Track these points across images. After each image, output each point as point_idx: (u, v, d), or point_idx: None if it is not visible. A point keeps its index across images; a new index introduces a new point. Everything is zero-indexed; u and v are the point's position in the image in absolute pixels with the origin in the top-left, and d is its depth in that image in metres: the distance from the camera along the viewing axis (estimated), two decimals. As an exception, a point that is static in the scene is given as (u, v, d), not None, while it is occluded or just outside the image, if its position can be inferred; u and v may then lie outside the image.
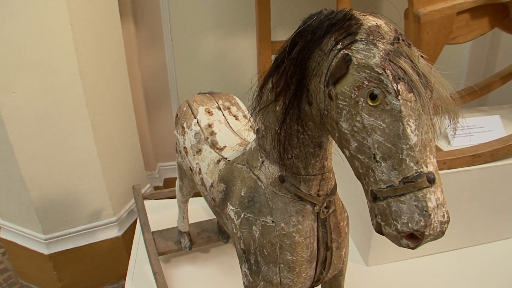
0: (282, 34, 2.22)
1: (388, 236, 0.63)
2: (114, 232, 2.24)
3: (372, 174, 0.62)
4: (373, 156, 0.61)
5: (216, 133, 1.19)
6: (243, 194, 0.94)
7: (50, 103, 1.87)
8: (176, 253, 1.72)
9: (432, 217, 0.57)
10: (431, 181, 0.58)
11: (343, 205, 0.97)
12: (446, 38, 1.42)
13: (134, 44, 2.44)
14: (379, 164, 0.60)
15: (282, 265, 0.88)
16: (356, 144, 0.63)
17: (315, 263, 0.91)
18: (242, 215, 0.93)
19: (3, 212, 2.24)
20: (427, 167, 0.59)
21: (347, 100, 0.62)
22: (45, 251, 2.11)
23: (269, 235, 0.88)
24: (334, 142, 0.73)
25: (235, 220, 0.96)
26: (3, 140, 1.90)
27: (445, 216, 0.59)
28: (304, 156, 0.81)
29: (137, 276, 1.66)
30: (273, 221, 0.88)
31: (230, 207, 0.98)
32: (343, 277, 1.05)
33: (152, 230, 1.75)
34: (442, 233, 0.59)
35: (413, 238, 0.60)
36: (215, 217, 1.77)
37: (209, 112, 1.26)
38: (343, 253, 0.96)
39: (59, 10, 1.75)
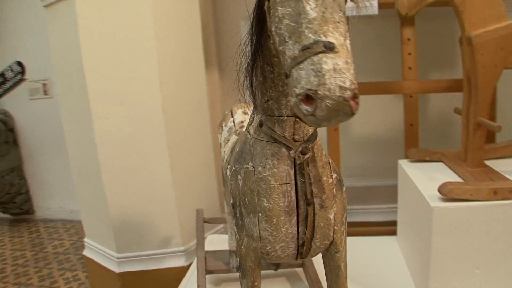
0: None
1: (293, 108, 0.64)
2: (180, 262, 2.33)
3: (284, 55, 0.67)
4: (283, 39, 0.67)
5: (244, 126, 1.27)
6: (237, 151, 1.01)
7: (135, 131, 2.13)
8: (228, 278, 1.74)
9: (326, 77, 0.58)
10: (329, 48, 0.60)
11: (330, 163, 0.95)
12: (505, 60, 1.36)
13: (218, 90, 2.68)
14: (287, 44, 0.66)
15: (260, 214, 0.89)
16: (278, 39, 0.70)
17: (295, 219, 0.88)
18: (233, 169, 0.98)
19: (88, 230, 2.49)
20: (326, 37, 0.61)
21: (271, 5, 0.72)
22: (116, 269, 2.26)
23: (249, 181, 0.91)
24: None
25: (228, 176, 1.01)
26: (93, 160, 2.18)
27: (347, 83, 0.59)
28: (276, 97, 0.86)
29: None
30: (253, 166, 0.91)
31: (228, 167, 1.04)
32: (341, 255, 0.98)
33: (206, 250, 1.80)
34: (343, 99, 0.58)
35: (310, 101, 0.61)
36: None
37: (244, 113, 1.36)
38: (331, 216, 0.91)
39: (149, 52, 2.07)
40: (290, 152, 0.87)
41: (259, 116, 0.92)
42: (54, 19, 2.26)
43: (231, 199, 0.99)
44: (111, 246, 2.30)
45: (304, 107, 0.62)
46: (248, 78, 0.90)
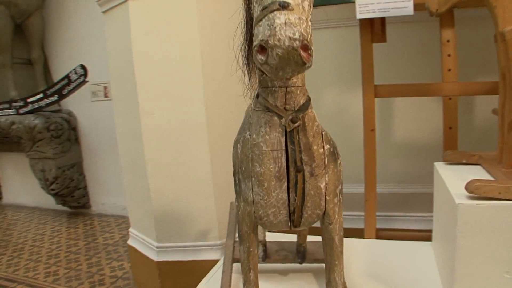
0: (385, 77, 2.28)
1: (255, 60, 0.72)
2: (216, 255, 2.40)
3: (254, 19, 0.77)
4: (253, 4, 0.79)
5: None
6: (241, 124, 1.08)
7: (179, 126, 2.25)
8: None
9: (277, 29, 0.67)
10: (283, 6, 0.69)
11: (324, 134, 0.97)
12: (540, 58, 1.31)
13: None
14: (254, 8, 0.77)
15: (253, 179, 0.93)
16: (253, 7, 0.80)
17: (286, 184, 0.92)
18: (235, 139, 1.05)
19: (133, 220, 2.64)
20: None
21: None
22: (155, 258, 2.37)
23: (245, 148, 0.96)
24: None
25: (233, 149, 1.06)
26: (139, 154, 2.32)
27: (296, 34, 0.67)
28: None
29: (212, 281, 1.76)
30: (249, 135, 0.96)
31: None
32: (335, 228, 0.99)
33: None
34: (292, 48, 0.67)
35: (263, 51, 0.69)
36: (296, 239, 1.80)
37: None
38: (321, 185, 0.93)
39: (194, 53, 2.19)
40: (281, 120, 0.92)
41: (258, 89, 0.99)
42: (110, 23, 2.46)
43: (233, 167, 1.05)
44: (151, 236, 2.42)
45: (259, 56, 0.70)
46: (245, 54, 0.96)
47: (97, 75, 3.87)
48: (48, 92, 3.65)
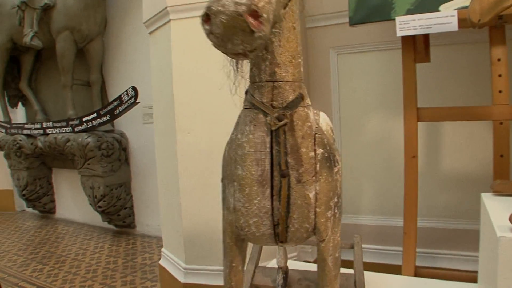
0: (429, 100, 2.12)
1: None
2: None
3: None
4: None
5: None
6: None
7: (213, 145, 2.22)
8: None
9: None
10: None
11: (317, 137, 0.87)
12: None
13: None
14: None
15: (235, 183, 0.84)
16: None
17: (269, 191, 0.81)
18: (226, 143, 0.98)
19: (165, 240, 2.61)
20: None
21: None
22: (182, 279, 2.31)
23: (231, 149, 0.88)
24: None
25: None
26: (173, 172, 2.31)
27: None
28: (258, 62, 0.85)
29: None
30: (236, 134, 0.87)
31: None
32: (328, 247, 0.87)
33: (260, 265, 1.76)
34: (237, 14, 0.60)
35: (208, 18, 0.64)
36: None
37: None
38: (310, 194, 0.81)
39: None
40: (267, 118, 0.83)
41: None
42: (154, 44, 2.53)
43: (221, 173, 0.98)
44: (180, 257, 2.37)
45: (205, 26, 0.65)
46: None
47: (149, 98, 3.98)
48: (102, 112, 3.80)
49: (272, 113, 0.85)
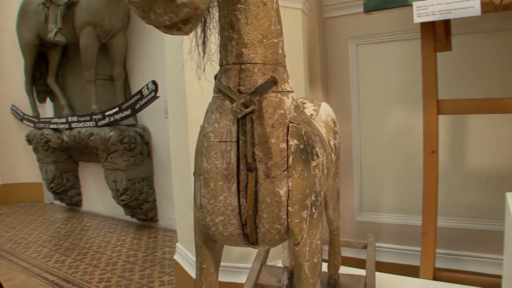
0: (452, 92, 1.99)
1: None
2: (256, 280, 2.24)
3: None
4: None
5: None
6: None
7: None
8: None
9: None
10: None
11: (291, 126, 0.78)
12: None
13: (321, 111, 2.58)
14: None
15: (201, 177, 0.77)
16: None
17: (235, 186, 0.73)
18: None
19: (180, 235, 2.58)
20: None
21: None
22: (194, 275, 2.27)
23: (199, 139, 0.81)
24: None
25: None
26: (185, 166, 2.27)
27: None
28: (224, 43, 0.79)
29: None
30: (203, 124, 0.80)
31: None
32: (303, 251, 0.77)
33: (267, 263, 1.71)
34: None
35: None
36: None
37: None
38: (281, 192, 0.73)
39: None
40: (233, 105, 0.76)
41: None
42: (168, 36, 2.49)
43: None
44: (193, 252, 2.34)
45: (133, 8, 0.57)
46: (202, 28, 0.83)
47: (171, 92, 3.99)
48: (123, 106, 3.82)
49: (238, 99, 0.77)
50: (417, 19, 1.64)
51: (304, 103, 1.29)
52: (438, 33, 1.73)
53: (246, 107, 0.76)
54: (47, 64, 4.74)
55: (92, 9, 3.82)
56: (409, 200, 2.36)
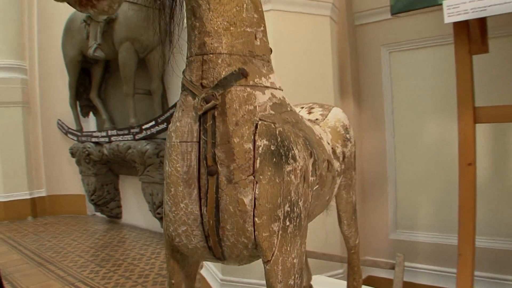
0: (490, 99, 1.83)
1: None
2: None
3: None
4: None
5: None
6: None
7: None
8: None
9: None
10: None
11: (260, 124, 0.68)
12: None
13: (352, 123, 2.46)
14: None
15: (164, 182, 0.69)
16: None
17: (196, 192, 0.65)
18: None
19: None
20: None
21: None
22: (218, 290, 2.21)
23: (167, 142, 0.73)
24: None
25: None
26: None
27: None
28: (188, 33, 0.72)
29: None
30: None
31: None
32: (274, 270, 0.66)
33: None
34: None
35: None
36: None
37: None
38: (245, 200, 0.63)
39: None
40: (195, 100, 0.67)
41: None
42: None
43: None
44: (218, 267, 2.28)
45: None
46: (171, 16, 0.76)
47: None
48: (159, 120, 3.86)
49: (200, 94, 0.69)
50: (448, 19, 1.51)
51: (312, 108, 1.20)
52: (472, 34, 1.59)
53: (207, 102, 0.68)
54: (90, 80, 4.91)
55: (130, 25, 3.92)
56: (447, 217, 2.17)
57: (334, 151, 1.06)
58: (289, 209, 0.70)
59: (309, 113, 1.18)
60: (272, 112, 0.72)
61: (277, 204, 0.68)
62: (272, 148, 0.69)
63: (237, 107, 0.70)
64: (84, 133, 4.85)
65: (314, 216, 0.99)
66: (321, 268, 2.06)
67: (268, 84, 0.75)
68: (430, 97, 2.27)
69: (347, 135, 1.19)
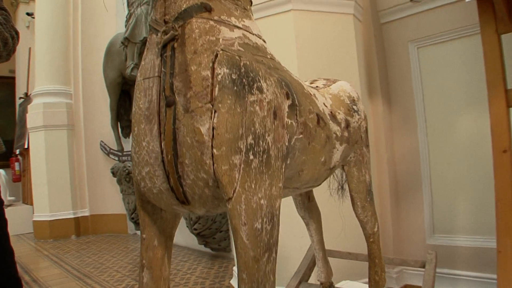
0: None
1: None
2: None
3: None
4: None
5: None
6: None
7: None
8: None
9: None
10: None
11: (220, 53, 0.65)
12: None
13: (382, 123, 2.38)
14: None
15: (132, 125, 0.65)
16: None
17: (157, 128, 0.60)
18: None
19: (236, 258, 2.47)
20: None
21: None
22: None
23: None
24: None
25: None
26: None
27: None
28: None
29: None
30: None
31: None
32: (239, 210, 0.61)
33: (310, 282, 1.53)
34: None
35: None
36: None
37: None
38: (202, 129, 0.59)
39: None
40: (157, 36, 0.65)
41: None
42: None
43: None
44: (245, 274, 2.21)
45: None
46: None
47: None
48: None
49: (161, 28, 0.67)
50: (469, -3, 1.43)
51: (316, 80, 1.16)
52: (498, 12, 1.49)
53: (166, 33, 0.66)
54: (130, 101, 5.08)
55: (163, 44, 4.04)
56: (489, 218, 2.01)
57: (333, 116, 1.00)
58: (252, 141, 0.65)
59: (311, 84, 1.14)
60: (241, 49, 0.69)
61: (238, 135, 0.64)
62: (234, 77, 0.66)
63: (197, 37, 0.67)
64: (124, 153, 4.98)
65: (310, 177, 0.92)
66: (352, 275, 1.94)
67: (240, 25, 0.72)
68: (463, 91, 2.14)
69: (354, 107, 1.13)
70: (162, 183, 0.68)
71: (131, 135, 0.70)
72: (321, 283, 1.39)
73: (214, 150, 0.63)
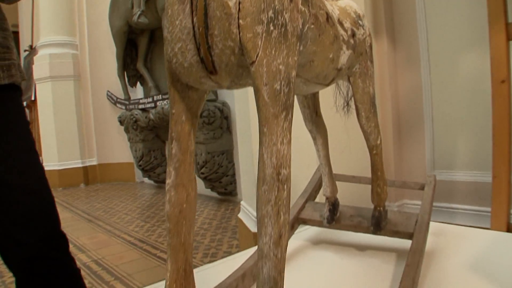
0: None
1: None
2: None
3: None
4: None
5: None
6: None
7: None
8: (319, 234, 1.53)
9: None
10: None
11: None
12: None
13: (387, 62, 2.43)
14: None
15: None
16: None
17: (189, 7, 0.69)
18: None
19: (243, 193, 2.60)
20: None
21: None
22: (253, 228, 2.27)
23: None
24: None
25: None
26: (246, 119, 2.28)
27: None
28: None
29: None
30: None
31: None
32: (261, 72, 0.68)
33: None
34: None
35: None
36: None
37: None
38: (230, 2, 0.66)
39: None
40: None
41: None
42: None
43: None
44: (252, 205, 2.34)
45: None
46: None
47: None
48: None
49: None
50: None
51: None
52: None
53: None
54: (136, 50, 5.10)
55: (172, -10, 4.02)
56: (487, 154, 2.10)
57: (340, 23, 1.07)
58: (273, 15, 0.73)
59: None
60: None
61: (260, 9, 0.71)
62: None
63: None
64: (131, 101, 5.06)
65: (319, 70, 0.99)
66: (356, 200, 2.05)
67: None
68: (467, 29, 2.17)
69: (359, 21, 1.19)
70: (193, 55, 0.75)
71: (163, 16, 0.76)
72: (327, 198, 1.49)
73: (240, 21, 0.71)
